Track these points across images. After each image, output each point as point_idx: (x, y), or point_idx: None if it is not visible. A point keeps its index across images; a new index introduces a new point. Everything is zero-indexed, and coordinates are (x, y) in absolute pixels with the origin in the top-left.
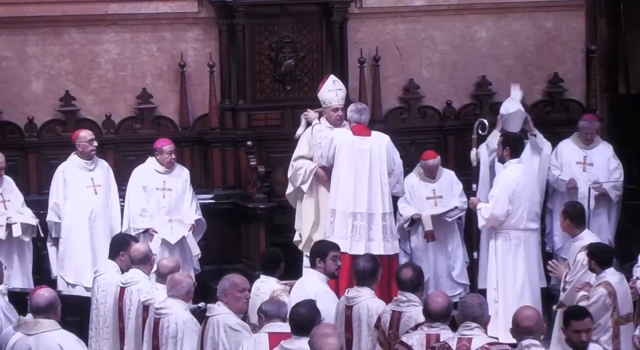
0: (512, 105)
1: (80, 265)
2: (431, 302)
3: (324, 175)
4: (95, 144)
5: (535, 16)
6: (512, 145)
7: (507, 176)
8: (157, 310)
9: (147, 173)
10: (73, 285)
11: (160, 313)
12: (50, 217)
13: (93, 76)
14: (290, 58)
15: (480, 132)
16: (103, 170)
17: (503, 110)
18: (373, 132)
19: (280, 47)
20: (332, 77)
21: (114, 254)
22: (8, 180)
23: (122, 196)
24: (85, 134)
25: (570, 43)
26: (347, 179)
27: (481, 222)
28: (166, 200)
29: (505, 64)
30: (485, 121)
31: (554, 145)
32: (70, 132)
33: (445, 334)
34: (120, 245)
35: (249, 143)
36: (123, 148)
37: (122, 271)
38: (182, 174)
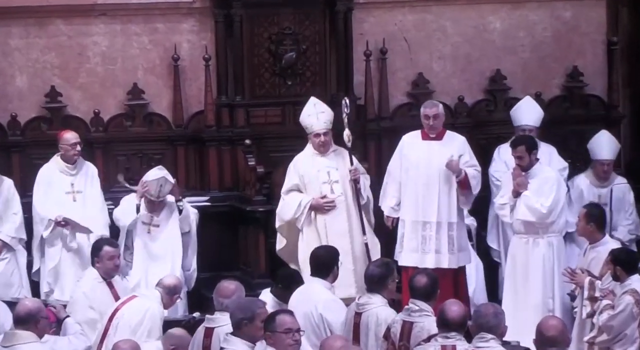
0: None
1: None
2: (447, 311)
3: (322, 204)
4: (79, 148)
5: (553, 6)
6: (536, 146)
7: (558, 176)
8: None
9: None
10: None
11: None
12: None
13: (81, 70)
14: (292, 51)
15: (346, 111)
16: (87, 176)
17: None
18: None
19: (280, 39)
20: (312, 100)
21: (92, 261)
22: None
23: (110, 198)
24: (68, 136)
25: (590, 34)
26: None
27: (524, 215)
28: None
29: (521, 56)
30: (347, 100)
31: (575, 141)
32: (56, 130)
33: (462, 345)
34: (94, 251)
35: (248, 141)
36: (113, 147)
37: (103, 278)
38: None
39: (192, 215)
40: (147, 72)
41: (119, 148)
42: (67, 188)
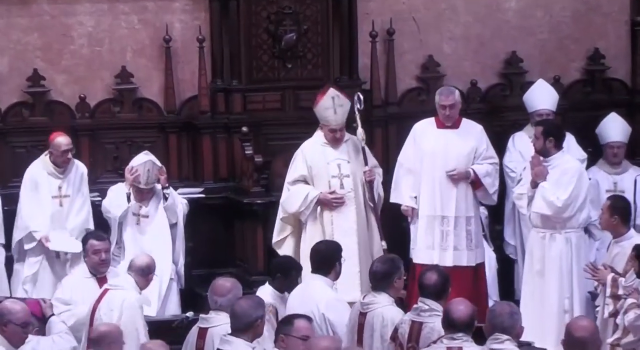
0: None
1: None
2: (454, 310)
3: (330, 199)
4: (70, 156)
5: None
6: (556, 135)
7: (580, 168)
8: None
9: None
10: None
11: None
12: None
13: (65, 52)
14: (292, 31)
15: (358, 106)
16: (75, 178)
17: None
18: None
19: (280, 19)
20: (331, 92)
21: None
22: None
23: (96, 190)
24: (60, 142)
25: (613, 14)
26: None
27: (540, 208)
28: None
29: (539, 38)
30: (361, 95)
31: (596, 129)
32: (38, 116)
33: (469, 347)
34: (82, 245)
35: (244, 129)
36: (100, 135)
37: (91, 274)
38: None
39: (180, 205)
40: (137, 54)
41: (107, 136)
42: (54, 192)
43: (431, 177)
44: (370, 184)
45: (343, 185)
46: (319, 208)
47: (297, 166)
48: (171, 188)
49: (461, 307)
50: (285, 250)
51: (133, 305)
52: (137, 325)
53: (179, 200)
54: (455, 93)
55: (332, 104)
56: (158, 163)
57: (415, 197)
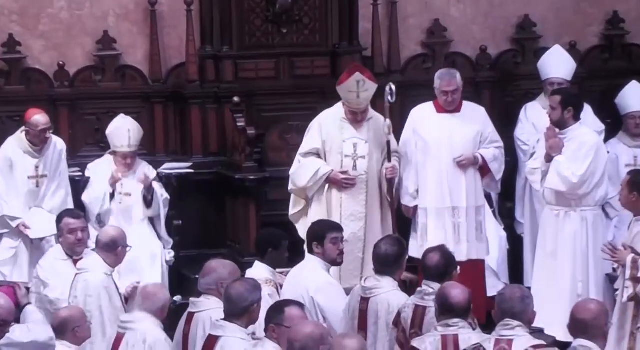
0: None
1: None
2: (450, 295)
3: (340, 179)
4: (48, 135)
5: None
6: (575, 105)
7: (598, 141)
8: (122, 323)
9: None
10: None
11: (126, 327)
12: None
13: (43, 16)
14: None
15: (389, 99)
16: (54, 156)
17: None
18: None
19: None
20: (357, 77)
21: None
22: None
23: (77, 164)
24: (38, 120)
25: None
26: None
27: (554, 184)
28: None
29: (553, 0)
30: (393, 86)
31: (615, 98)
32: (14, 85)
33: (465, 334)
34: (56, 224)
35: (236, 99)
36: (80, 105)
37: (67, 255)
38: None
39: (161, 204)
40: (120, 19)
41: (87, 106)
42: (31, 172)
43: (437, 167)
44: (390, 182)
45: (356, 167)
46: (326, 186)
47: (312, 137)
48: (154, 190)
49: (457, 290)
50: (302, 223)
51: (96, 286)
52: (101, 308)
53: (160, 197)
54: (456, 77)
55: (356, 88)
56: (136, 123)
57: (417, 191)
